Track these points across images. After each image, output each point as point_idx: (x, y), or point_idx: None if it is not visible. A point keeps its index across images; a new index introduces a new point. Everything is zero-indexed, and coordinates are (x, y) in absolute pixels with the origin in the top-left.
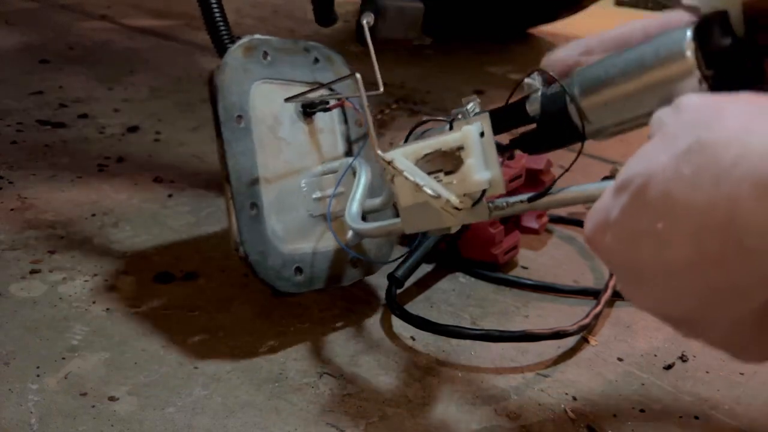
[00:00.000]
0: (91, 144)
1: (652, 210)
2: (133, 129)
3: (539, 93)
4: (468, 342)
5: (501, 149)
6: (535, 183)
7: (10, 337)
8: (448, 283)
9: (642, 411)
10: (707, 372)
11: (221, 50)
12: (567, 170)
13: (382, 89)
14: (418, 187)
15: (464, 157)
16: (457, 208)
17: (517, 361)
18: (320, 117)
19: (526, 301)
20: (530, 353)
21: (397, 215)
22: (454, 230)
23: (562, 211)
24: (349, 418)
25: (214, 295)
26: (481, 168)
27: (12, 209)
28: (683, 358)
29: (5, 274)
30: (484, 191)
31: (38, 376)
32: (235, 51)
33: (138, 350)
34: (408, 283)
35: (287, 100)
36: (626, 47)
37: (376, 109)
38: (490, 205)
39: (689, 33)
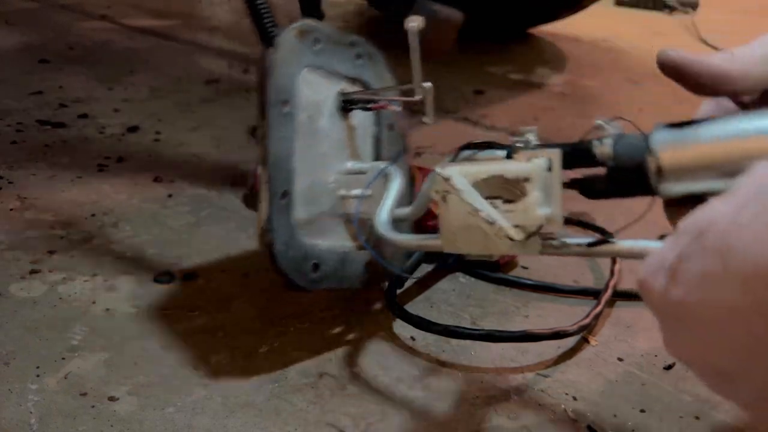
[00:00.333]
0: (91, 144)
1: (709, 254)
2: (133, 129)
3: (612, 138)
4: (468, 342)
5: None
6: None
7: (10, 337)
8: (448, 283)
9: (642, 411)
10: None
11: (265, 37)
12: (634, 222)
13: (419, 97)
14: (473, 210)
15: (529, 189)
16: (510, 238)
17: (518, 361)
18: (355, 115)
19: (526, 301)
20: (530, 353)
21: (414, 228)
22: (495, 257)
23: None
24: (349, 418)
25: (214, 295)
26: (544, 203)
27: (12, 209)
28: None
29: (5, 274)
30: (540, 227)
31: (38, 376)
32: (289, 32)
33: (138, 350)
34: (408, 283)
35: (344, 95)
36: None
37: None
38: (544, 241)
39: None
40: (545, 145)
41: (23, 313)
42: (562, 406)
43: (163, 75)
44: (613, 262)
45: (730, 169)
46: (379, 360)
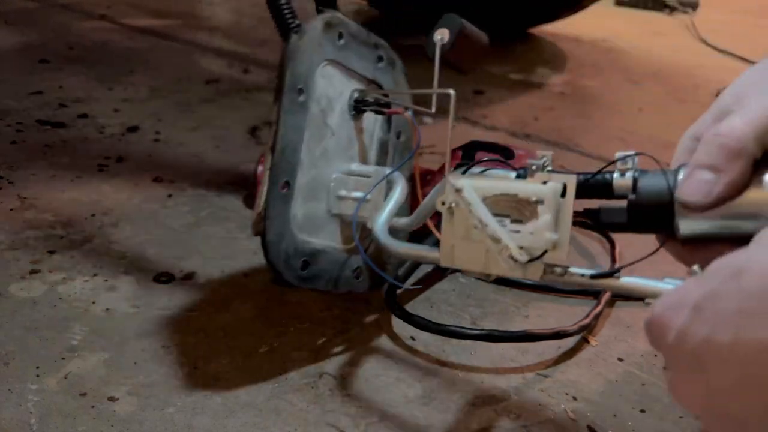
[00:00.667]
0: (91, 144)
1: (746, 293)
2: (132, 129)
3: (634, 172)
4: (468, 342)
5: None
6: None
7: (10, 337)
8: (448, 283)
9: (642, 411)
10: None
11: (284, 28)
12: (640, 260)
13: (434, 110)
14: (480, 226)
15: (540, 212)
16: (513, 259)
17: (518, 361)
18: (366, 118)
19: (526, 301)
20: (530, 353)
21: (407, 240)
22: (490, 279)
23: None
24: (349, 418)
25: (214, 295)
26: (553, 228)
27: (12, 209)
28: None
29: (5, 274)
30: (545, 252)
31: (38, 376)
32: (316, 23)
33: (138, 350)
34: (408, 283)
35: (358, 93)
36: None
37: None
38: (548, 267)
39: None
40: (562, 171)
41: (23, 313)
42: (562, 406)
43: (163, 75)
44: (613, 261)
45: (752, 212)
46: (379, 360)
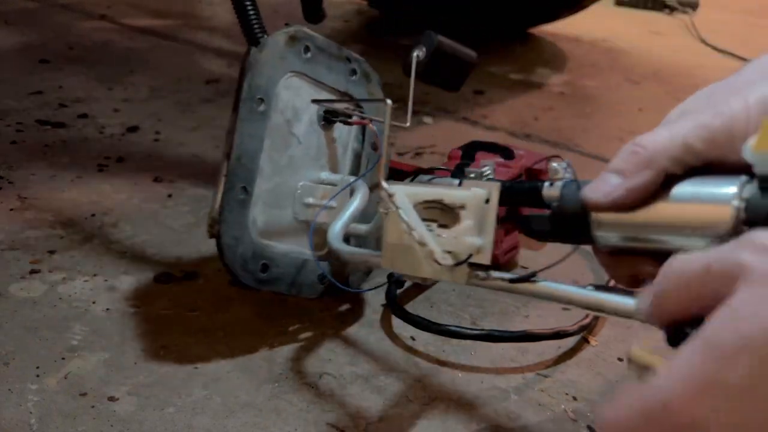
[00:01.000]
0: (91, 144)
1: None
2: (132, 129)
3: (564, 182)
4: (468, 342)
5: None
6: None
7: (10, 337)
8: (448, 283)
9: None
10: None
11: (251, 37)
12: (557, 264)
13: (408, 124)
14: (408, 229)
15: (463, 216)
16: (438, 263)
17: (518, 361)
18: (338, 128)
19: (526, 301)
20: (530, 353)
21: (376, 248)
22: (429, 282)
23: None
24: (349, 419)
25: (214, 295)
26: (475, 233)
27: (12, 209)
28: None
29: (5, 274)
30: (470, 256)
31: (38, 376)
32: (278, 36)
33: (138, 350)
34: (408, 283)
35: (315, 101)
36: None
37: None
38: (472, 272)
39: (738, 185)
40: (493, 178)
41: (23, 313)
42: (562, 406)
43: (163, 75)
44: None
45: (657, 225)
46: (379, 360)
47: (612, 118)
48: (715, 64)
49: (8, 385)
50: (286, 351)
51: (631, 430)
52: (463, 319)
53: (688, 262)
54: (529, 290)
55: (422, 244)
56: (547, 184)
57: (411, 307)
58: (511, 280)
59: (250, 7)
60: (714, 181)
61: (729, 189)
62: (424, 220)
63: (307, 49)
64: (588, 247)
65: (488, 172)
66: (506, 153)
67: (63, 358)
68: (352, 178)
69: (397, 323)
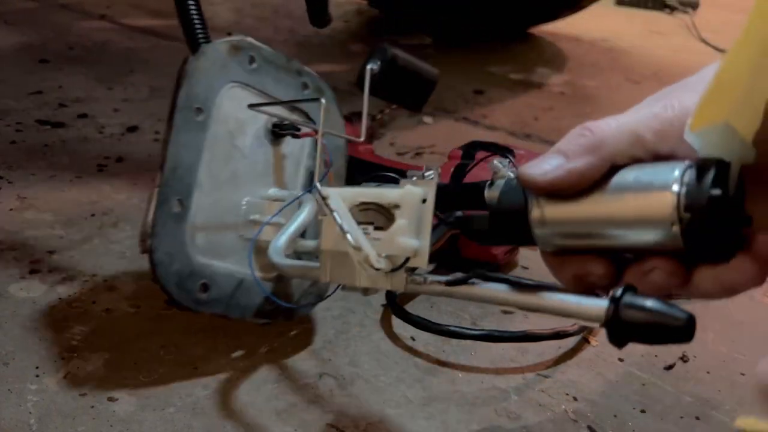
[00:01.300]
0: (91, 144)
1: None
2: (132, 129)
3: (504, 181)
4: (468, 342)
5: (438, 223)
6: None
7: (10, 337)
8: None
9: (643, 411)
10: (708, 372)
11: (193, 43)
12: (493, 268)
13: (362, 138)
14: (342, 233)
15: (397, 216)
16: (374, 267)
17: (518, 361)
18: (289, 143)
19: None
20: (530, 353)
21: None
22: (370, 294)
23: None
24: (349, 419)
25: None
26: (411, 233)
27: (11, 209)
28: (684, 359)
29: (5, 274)
30: (407, 260)
31: (37, 376)
32: (219, 45)
33: (137, 350)
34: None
35: (251, 106)
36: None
37: (375, 109)
38: (409, 276)
39: (680, 170)
40: (441, 183)
41: (23, 313)
42: (563, 407)
43: (163, 75)
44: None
45: (609, 221)
46: (379, 360)
47: None
48: None
49: (8, 385)
50: (286, 351)
51: None
52: (463, 319)
53: None
54: (468, 293)
55: (357, 248)
56: (488, 183)
57: (411, 307)
58: (448, 283)
59: (194, 13)
60: (656, 168)
61: (670, 174)
62: (360, 223)
63: (252, 59)
64: None
65: (431, 175)
66: (506, 153)
67: (62, 358)
68: (298, 193)
69: (397, 323)
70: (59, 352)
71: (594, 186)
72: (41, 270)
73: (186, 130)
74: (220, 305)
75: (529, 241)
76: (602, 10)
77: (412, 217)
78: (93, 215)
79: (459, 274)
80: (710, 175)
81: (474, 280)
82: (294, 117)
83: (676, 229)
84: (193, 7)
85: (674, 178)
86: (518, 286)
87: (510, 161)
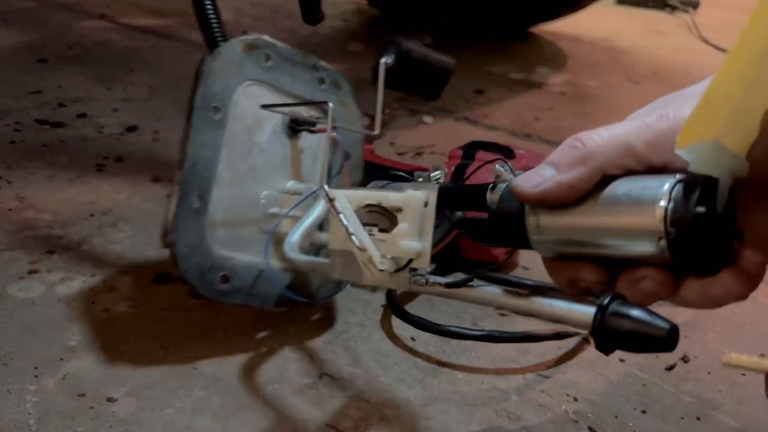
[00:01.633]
0: (90, 143)
1: None
2: (131, 128)
3: (505, 185)
4: (468, 343)
5: (441, 222)
6: None
7: (9, 338)
8: None
9: (643, 412)
10: (709, 373)
11: (211, 43)
12: (490, 269)
13: (378, 131)
14: (348, 234)
15: (400, 219)
16: (378, 269)
17: (518, 361)
18: (307, 138)
19: None
20: (531, 354)
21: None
22: (377, 291)
23: None
24: (349, 419)
25: None
26: (413, 236)
27: (10, 209)
28: (685, 359)
29: (3, 275)
30: (410, 260)
31: (36, 377)
32: (234, 44)
33: (137, 351)
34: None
35: (263, 107)
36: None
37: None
38: (413, 277)
39: (668, 185)
40: (445, 184)
41: (22, 313)
42: (563, 407)
43: (162, 74)
44: None
45: (601, 231)
46: (379, 360)
47: (612, 117)
48: (715, 64)
49: (7, 386)
50: (286, 351)
51: None
52: (463, 320)
53: None
54: (465, 295)
55: (362, 249)
56: (490, 186)
57: (411, 308)
58: (447, 285)
59: (211, 13)
60: (646, 181)
61: (659, 189)
62: (366, 224)
63: (268, 57)
64: None
65: (437, 176)
66: (507, 153)
67: (61, 359)
68: (314, 187)
69: (397, 323)
70: (58, 352)
71: (587, 196)
72: (40, 270)
73: (204, 128)
74: (240, 295)
75: (527, 245)
76: (602, 10)
77: (414, 220)
78: (92, 215)
79: (459, 275)
80: (696, 193)
81: (472, 282)
82: (311, 112)
83: (663, 242)
84: (210, 7)
85: (663, 192)
86: (514, 288)
87: (510, 169)
